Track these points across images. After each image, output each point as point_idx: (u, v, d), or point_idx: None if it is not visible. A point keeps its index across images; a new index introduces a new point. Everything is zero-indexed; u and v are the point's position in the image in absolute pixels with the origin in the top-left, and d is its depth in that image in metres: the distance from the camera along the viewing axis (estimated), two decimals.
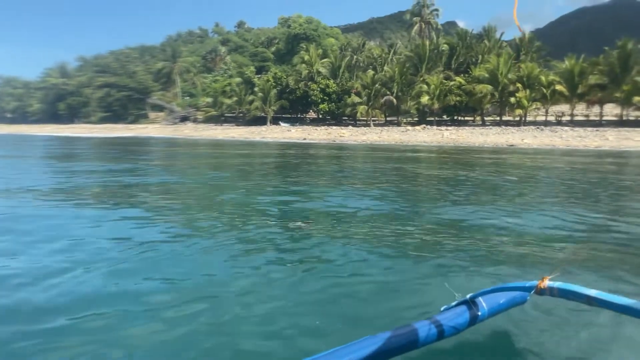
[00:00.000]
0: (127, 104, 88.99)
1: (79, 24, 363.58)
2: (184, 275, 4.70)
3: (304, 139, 53.17)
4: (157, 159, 25.00)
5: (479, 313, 1.15)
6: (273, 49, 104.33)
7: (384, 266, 5.15)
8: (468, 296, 1.12)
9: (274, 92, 70.67)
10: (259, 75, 79.47)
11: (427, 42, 63.25)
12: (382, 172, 16.51)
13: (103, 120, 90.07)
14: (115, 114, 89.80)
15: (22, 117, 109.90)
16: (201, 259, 5.30)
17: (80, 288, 4.29)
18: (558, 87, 49.73)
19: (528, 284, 1.15)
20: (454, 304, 1.14)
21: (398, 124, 60.85)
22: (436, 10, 75.72)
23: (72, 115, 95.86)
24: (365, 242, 6.06)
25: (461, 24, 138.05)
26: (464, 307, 1.13)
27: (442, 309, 1.12)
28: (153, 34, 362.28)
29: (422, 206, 9.50)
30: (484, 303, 1.12)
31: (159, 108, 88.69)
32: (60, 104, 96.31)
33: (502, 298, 1.16)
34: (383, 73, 62.26)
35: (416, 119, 61.85)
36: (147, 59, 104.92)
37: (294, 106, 72.92)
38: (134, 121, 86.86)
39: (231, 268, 4.96)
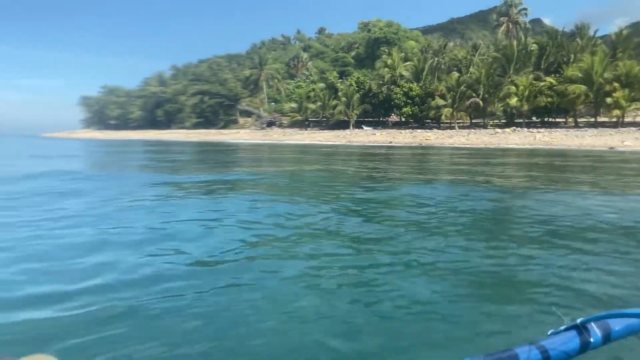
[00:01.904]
0: (218, 110, 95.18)
1: (170, 36, 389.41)
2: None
3: (390, 142, 54.41)
4: (288, 162, 27.56)
5: (591, 339, 0.92)
6: (353, 53, 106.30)
7: (483, 282, 5.15)
8: (579, 320, 0.96)
9: (356, 96, 72.48)
10: (341, 80, 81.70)
11: (515, 42, 61.94)
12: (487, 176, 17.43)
13: (196, 126, 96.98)
14: (207, 120, 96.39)
15: (124, 123, 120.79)
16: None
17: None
18: None
19: None
20: (562, 328, 0.96)
21: (484, 126, 60.25)
22: (525, 9, 73.73)
23: (169, 121, 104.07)
24: (458, 255, 6.15)
25: (547, 21, 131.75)
26: (573, 332, 0.94)
27: (549, 333, 0.97)
28: (239, 42, 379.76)
29: (534, 218, 8.95)
30: (596, 329, 0.93)
31: (247, 113, 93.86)
32: (159, 110, 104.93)
33: (617, 325, 0.94)
34: (468, 75, 61.93)
35: (503, 121, 60.83)
36: (234, 67, 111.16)
37: (377, 110, 74.33)
38: (224, 126, 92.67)
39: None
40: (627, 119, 51.34)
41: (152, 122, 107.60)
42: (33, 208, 9.72)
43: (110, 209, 9.87)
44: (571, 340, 0.87)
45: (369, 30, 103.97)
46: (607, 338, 0.77)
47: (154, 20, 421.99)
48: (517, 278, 5.30)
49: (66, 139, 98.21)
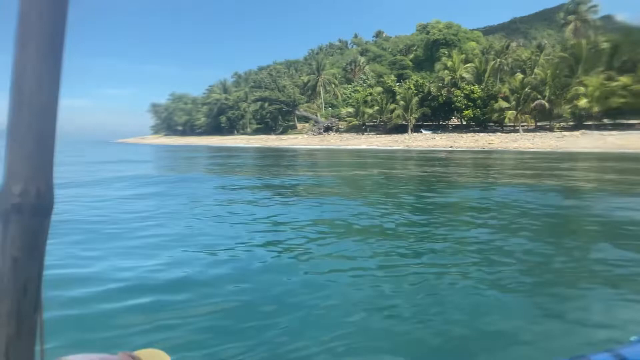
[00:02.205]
0: (278, 116, 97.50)
1: (231, 44, 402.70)
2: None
3: (450, 146, 53.50)
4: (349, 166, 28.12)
5: None
6: (411, 56, 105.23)
7: (565, 285, 5.25)
8: None
9: (415, 99, 71.70)
10: (399, 83, 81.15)
11: (584, 41, 58.96)
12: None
13: (256, 132, 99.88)
14: (267, 126, 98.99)
15: (190, 129, 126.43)
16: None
17: None
18: None
19: None
20: None
21: (551, 129, 57.82)
22: (594, 6, 69.91)
23: (232, 127, 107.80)
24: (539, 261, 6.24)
25: (621, 17, 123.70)
26: None
27: (631, 339, 0.95)
28: (297, 48, 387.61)
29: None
30: None
31: (304, 119, 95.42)
32: (222, 117, 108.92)
33: None
34: (533, 76, 59.72)
35: (571, 123, 58.12)
36: (292, 73, 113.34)
37: (436, 113, 73.16)
38: (283, 132, 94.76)
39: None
40: None
41: (216, 128, 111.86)
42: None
43: (210, 209, 10.88)
44: None
45: (428, 32, 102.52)
46: None
47: (217, 29, 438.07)
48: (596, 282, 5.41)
49: (139, 145, 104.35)
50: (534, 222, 9.22)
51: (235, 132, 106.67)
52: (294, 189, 15.84)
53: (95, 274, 5.75)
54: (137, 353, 0.45)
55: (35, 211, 0.57)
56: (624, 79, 52.09)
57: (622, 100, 50.76)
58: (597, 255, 6.72)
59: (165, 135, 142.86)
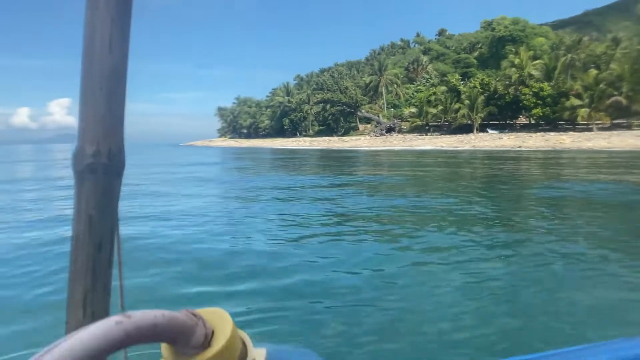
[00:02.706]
0: (339, 118, 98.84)
1: (294, 46, 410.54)
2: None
3: (519, 146, 52.27)
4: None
5: None
6: (476, 54, 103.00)
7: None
8: None
9: (481, 98, 70.43)
10: (464, 82, 79.91)
11: None
12: None
13: (319, 133, 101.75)
14: (329, 127, 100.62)
15: (254, 132, 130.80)
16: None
17: None
18: None
19: None
20: None
21: (629, 127, 54.98)
22: None
23: (294, 129, 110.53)
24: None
25: None
26: None
27: None
28: (359, 48, 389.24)
29: None
30: None
31: (366, 120, 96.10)
32: (285, 119, 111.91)
33: None
34: (609, 72, 56.99)
35: None
36: (354, 74, 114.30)
37: (503, 112, 71.47)
38: (345, 133, 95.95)
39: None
40: None
41: (279, 131, 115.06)
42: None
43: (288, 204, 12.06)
44: None
45: (493, 29, 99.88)
46: None
47: (279, 32, 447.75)
48: None
49: (208, 147, 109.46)
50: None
51: (298, 134, 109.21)
52: (374, 186, 16.77)
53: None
54: (200, 311, 0.47)
55: (108, 171, 0.59)
56: None
57: None
58: None
59: (231, 137, 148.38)
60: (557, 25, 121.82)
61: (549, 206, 11.97)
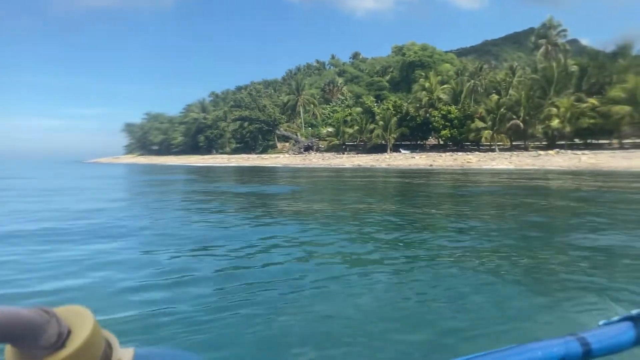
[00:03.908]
0: (257, 135, 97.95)
1: (206, 64, 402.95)
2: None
3: (430, 165, 54.84)
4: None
5: None
6: (388, 77, 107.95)
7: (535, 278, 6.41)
8: (634, 312, 0.88)
9: (394, 119, 73.45)
10: (378, 104, 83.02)
11: (555, 64, 61.95)
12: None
13: (236, 151, 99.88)
14: (246, 145, 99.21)
15: (166, 149, 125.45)
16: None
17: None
18: None
19: None
20: (615, 319, 0.89)
21: (525, 148, 60.07)
22: (564, 30, 73.77)
23: (210, 147, 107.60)
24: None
25: (584, 41, 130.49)
26: (628, 324, 0.87)
27: (600, 323, 0.89)
28: (274, 68, 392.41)
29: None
30: None
31: (284, 138, 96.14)
32: (200, 136, 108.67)
33: None
34: (508, 97, 62.10)
35: (544, 143, 60.55)
36: (271, 93, 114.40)
37: (414, 133, 75.03)
38: (263, 151, 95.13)
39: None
40: None
41: (193, 148, 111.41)
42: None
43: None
44: (625, 332, 0.87)
45: (404, 54, 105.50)
46: None
47: (192, 49, 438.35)
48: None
49: (114, 164, 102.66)
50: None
51: (214, 151, 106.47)
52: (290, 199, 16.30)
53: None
54: (56, 309, 0.42)
55: None
56: (592, 101, 54.87)
57: (591, 120, 53.35)
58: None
59: (141, 154, 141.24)
60: (461, 53, 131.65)
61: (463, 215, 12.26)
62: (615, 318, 0.82)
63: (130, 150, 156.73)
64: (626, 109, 50.14)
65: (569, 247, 8.56)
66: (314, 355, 4.13)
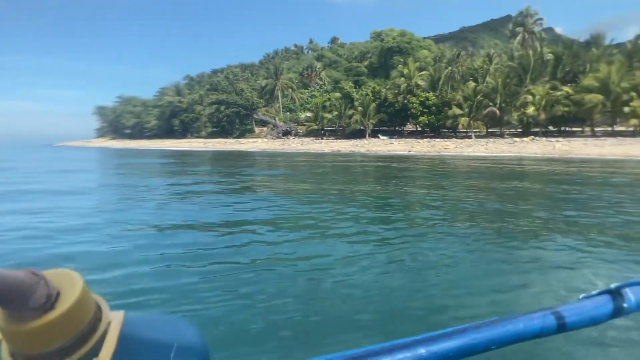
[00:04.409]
0: (234, 120, 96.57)
1: (180, 45, 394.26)
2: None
3: (409, 151, 55.26)
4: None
5: (625, 305, 0.89)
6: (366, 63, 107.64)
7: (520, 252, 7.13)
8: (613, 286, 0.90)
9: (373, 105, 73.47)
10: (357, 89, 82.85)
11: (531, 52, 62.85)
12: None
13: (212, 135, 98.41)
14: (223, 129, 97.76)
15: (139, 132, 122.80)
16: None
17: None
18: None
19: None
20: (595, 292, 0.91)
21: (501, 135, 61.07)
22: (540, 19, 74.76)
23: (185, 131, 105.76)
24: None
25: (559, 30, 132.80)
26: (607, 297, 0.90)
27: (580, 297, 0.91)
28: (251, 51, 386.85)
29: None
30: (631, 295, 0.89)
31: (262, 123, 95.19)
32: (175, 120, 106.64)
33: None
34: (485, 84, 62.77)
35: (519, 130, 61.66)
36: (248, 77, 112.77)
37: (392, 119, 75.32)
38: (240, 135, 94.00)
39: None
40: None
41: (167, 131, 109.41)
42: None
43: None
44: (604, 305, 0.89)
45: (382, 40, 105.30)
46: None
47: (166, 32, 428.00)
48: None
49: (86, 148, 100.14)
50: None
51: (189, 135, 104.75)
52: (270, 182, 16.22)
53: None
54: (45, 272, 0.42)
55: None
56: (566, 89, 56.00)
57: (565, 108, 54.49)
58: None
59: (113, 138, 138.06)
60: (439, 39, 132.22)
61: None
62: (595, 292, 0.89)
63: (101, 133, 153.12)
64: (598, 97, 51.32)
65: (547, 226, 9.26)
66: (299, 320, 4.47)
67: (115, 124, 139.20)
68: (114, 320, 0.42)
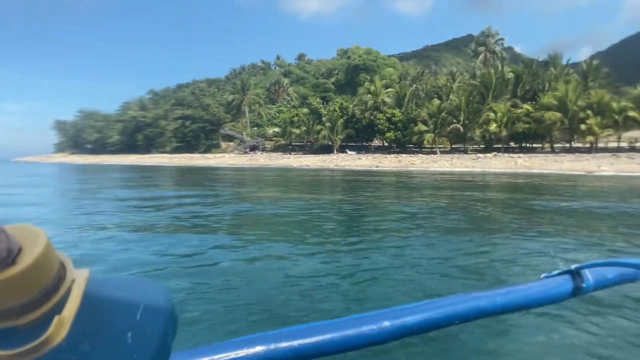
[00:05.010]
0: (200, 135, 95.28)
1: (144, 60, 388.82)
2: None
3: (376, 166, 55.77)
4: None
5: (584, 285, 0.96)
6: (333, 79, 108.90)
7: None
8: (573, 266, 0.97)
9: (340, 121, 74.13)
10: (324, 105, 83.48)
11: (493, 71, 65.04)
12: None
13: (177, 150, 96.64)
14: (188, 144, 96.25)
15: (101, 147, 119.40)
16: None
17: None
18: (631, 114, 49.91)
19: None
20: (555, 272, 0.98)
21: (465, 151, 62.53)
22: (501, 39, 77.67)
23: (149, 146, 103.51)
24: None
25: (517, 49, 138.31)
26: (567, 277, 0.96)
27: (542, 276, 0.98)
28: (216, 66, 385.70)
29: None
30: (589, 275, 0.97)
31: (229, 138, 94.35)
32: (139, 135, 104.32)
33: (610, 273, 0.99)
34: (449, 102, 64.36)
35: (482, 146, 63.33)
36: (214, 92, 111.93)
37: (360, 135, 76.15)
38: (206, 151, 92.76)
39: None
40: (599, 145, 54.29)
41: (130, 146, 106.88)
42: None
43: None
44: (564, 284, 0.93)
45: (349, 57, 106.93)
46: (600, 285, 0.98)
47: (128, 47, 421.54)
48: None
49: (45, 164, 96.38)
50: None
51: (153, 150, 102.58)
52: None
53: None
54: (5, 226, 0.39)
55: None
56: (527, 106, 58.04)
57: (526, 125, 56.39)
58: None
59: (73, 153, 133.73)
60: (403, 57, 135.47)
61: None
62: (555, 272, 1.00)
63: (61, 148, 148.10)
64: (557, 115, 53.36)
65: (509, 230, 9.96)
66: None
67: (76, 138, 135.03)
68: (78, 278, 0.41)
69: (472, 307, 0.77)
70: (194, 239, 8.77)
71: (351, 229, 10.21)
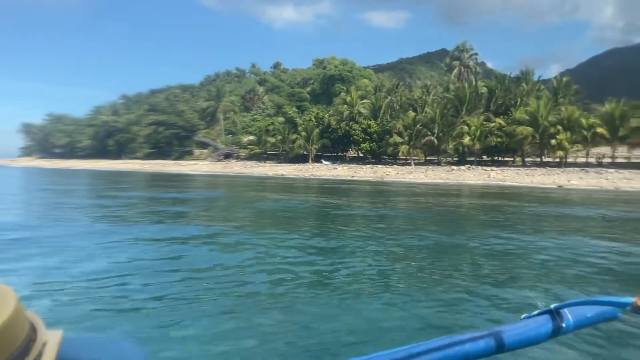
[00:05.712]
0: (173, 141, 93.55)
1: (115, 65, 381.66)
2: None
3: (352, 176, 55.88)
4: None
5: (563, 325, 0.96)
6: (308, 89, 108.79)
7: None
8: (552, 306, 0.97)
9: (316, 131, 73.98)
10: (300, 115, 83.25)
11: (466, 85, 66.19)
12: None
13: (148, 156, 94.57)
14: (160, 151, 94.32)
15: (70, 152, 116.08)
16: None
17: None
18: (599, 130, 51.41)
19: (622, 299, 0.96)
20: (535, 313, 0.98)
21: (438, 163, 63.23)
22: (475, 54, 79.37)
23: (120, 151, 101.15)
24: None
25: (490, 65, 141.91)
26: (547, 317, 0.96)
27: (522, 317, 0.98)
28: (190, 73, 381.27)
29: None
30: (569, 315, 0.97)
31: (202, 145, 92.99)
32: (110, 140, 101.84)
33: (589, 312, 1.00)
34: (424, 114, 65.05)
35: (455, 158, 64.18)
36: (188, 98, 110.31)
37: (335, 145, 76.15)
38: (179, 157, 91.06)
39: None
40: (568, 159, 55.67)
41: (101, 152, 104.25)
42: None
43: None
44: (544, 325, 0.92)
45: (325, 67, 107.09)
46: (579, 324, 0.97)
47: (100, 51, 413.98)
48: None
49: (9, 167, 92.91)
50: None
51: (124, 155, 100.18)
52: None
53: None
54: None
55: None
56: (499, 120, 59.16)
57: (498, 139, 57.43)
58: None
59: (41, 157, 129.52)
60: (378, 69, 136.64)
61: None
62: (535, 312, 0.98)
63: (28, 152, 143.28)
64: (529, 129, 54.56)
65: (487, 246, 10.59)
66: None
67: (44, 142, 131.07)
68: (50, 341, 0.38)
69: (456, 351, 0.76)
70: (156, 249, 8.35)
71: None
